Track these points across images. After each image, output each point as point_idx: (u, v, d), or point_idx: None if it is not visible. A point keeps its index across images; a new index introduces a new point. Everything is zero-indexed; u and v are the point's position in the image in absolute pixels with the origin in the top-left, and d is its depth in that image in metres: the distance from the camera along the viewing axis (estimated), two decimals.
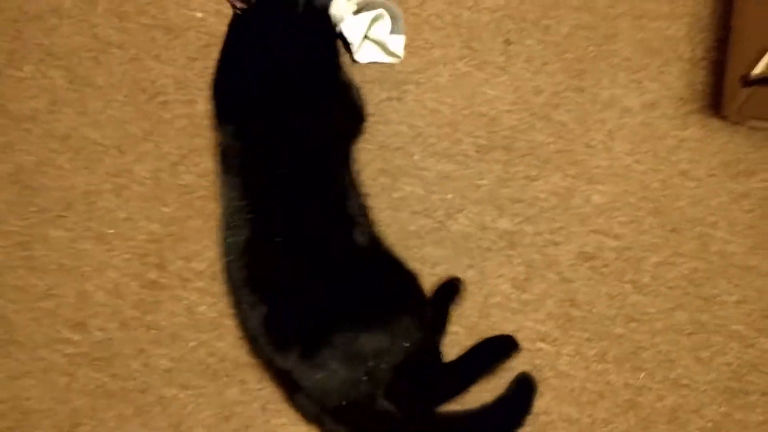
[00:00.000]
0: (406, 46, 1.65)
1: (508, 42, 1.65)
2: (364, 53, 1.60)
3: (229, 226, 1.35)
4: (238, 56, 1.46)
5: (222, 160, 1.42)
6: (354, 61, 1.60)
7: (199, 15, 1.70)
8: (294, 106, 1.40)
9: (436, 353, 1.39)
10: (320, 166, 1.38)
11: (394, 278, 1.35)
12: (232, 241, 1.34)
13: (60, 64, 1.67)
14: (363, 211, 1.40)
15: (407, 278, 1.37)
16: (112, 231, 1.54)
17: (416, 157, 1.57)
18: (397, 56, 1.61)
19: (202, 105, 1.61)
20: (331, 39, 1.51)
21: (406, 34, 1.63)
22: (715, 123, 1.57)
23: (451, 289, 1.46)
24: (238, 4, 1.45)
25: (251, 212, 1.32)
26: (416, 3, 1.69)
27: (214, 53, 1.53)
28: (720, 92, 1.57)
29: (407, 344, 1.28)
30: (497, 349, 1.43)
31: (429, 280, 1.47)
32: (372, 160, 1.56)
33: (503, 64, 1.63)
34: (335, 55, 1.50)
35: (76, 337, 1.48)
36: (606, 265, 1.49)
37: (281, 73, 1.40)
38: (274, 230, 1.31)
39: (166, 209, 1.54)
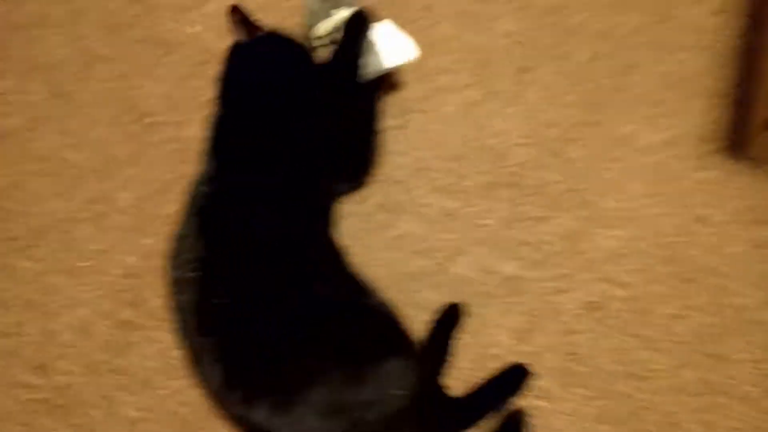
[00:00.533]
0: (412, 71, 1.54)
1: (521, 70, 1.55)
2: (389, 57, 1.40)
3: (177, 281, 1.24)
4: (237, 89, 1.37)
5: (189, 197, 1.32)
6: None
7: (195, 30, 1.60)
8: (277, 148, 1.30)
9: (439, 390, 1.31)
10: (292, 219, 1.27)
11: (372, 324, 1.24)
12: (183, 299, 1.22)
13: (42, 78, 1.57)
14: (329, 258, 1.29)
15: (387, 322, 1.25)
16: (85, 264, 1.44)
17: (418, 192, 1.47)
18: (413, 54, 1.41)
19: (194, 129, 1.50)
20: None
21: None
22: (736, 165, 1.47)
23: (451, 317, 1.37)
24: (241, 35, 1.39)
25: (202, 268, 1.21)
26: (425, 24, 1.59)
27: (209, 72, 1.43)
28: (742, 132, 1.47)
29: (400, 391, 1.18)
30: (507, 383, 1.34)
31: (425, 327, 1.37)
32: (371, 194, 1.46)
33: (515, 93, 1.53)
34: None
35: (37, 380, 1.38)
36: (612, 317, 1.39)
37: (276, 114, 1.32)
38: (224, 287, 1.20)
39: (146, 241, 1.44)
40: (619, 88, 1.53)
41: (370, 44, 1.37)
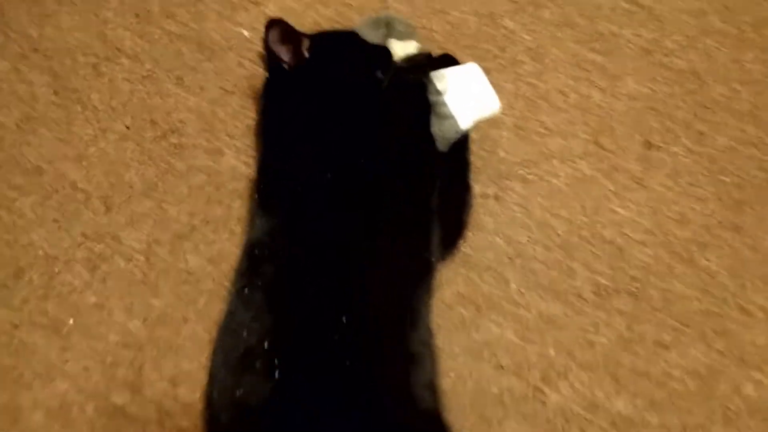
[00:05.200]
0: (516, 127, 1.29)
1: (648, 145, 1.31)
2: (464, 117, 1.15)
3: (234, 366, 0.98)
4: (299, 128, 1.12)
5: (245, 262, 1.07)
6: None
7: (246, 34, 1.35)
8: (366, 213, 1.05)
9: None
10: (387, 307, 1.01)
11: None
12: (239, 396, 0.95)
13: (47, 66, 1.31)
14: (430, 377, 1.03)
15: None
16: (73, 321, 1.13)
17: (512, 286, 1.18)
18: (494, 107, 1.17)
19: (231, 158, 1.25)
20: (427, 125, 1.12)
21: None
22: None
23: None
24: (285, 57, 1.14)
25: (277, 358, 0.94)
26: (533, 70, 1.35)
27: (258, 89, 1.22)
28: None
29: None
30: None
31: None
32: (451, 280, 1.17)
33: (640, 174, 1.28)
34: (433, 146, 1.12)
35: None
36: None
37: (353, 166, 1.07)
38: (300, 395, 0.93)
39: (156, 302, 1.14)
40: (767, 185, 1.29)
41: (442, 103, 1.12)
